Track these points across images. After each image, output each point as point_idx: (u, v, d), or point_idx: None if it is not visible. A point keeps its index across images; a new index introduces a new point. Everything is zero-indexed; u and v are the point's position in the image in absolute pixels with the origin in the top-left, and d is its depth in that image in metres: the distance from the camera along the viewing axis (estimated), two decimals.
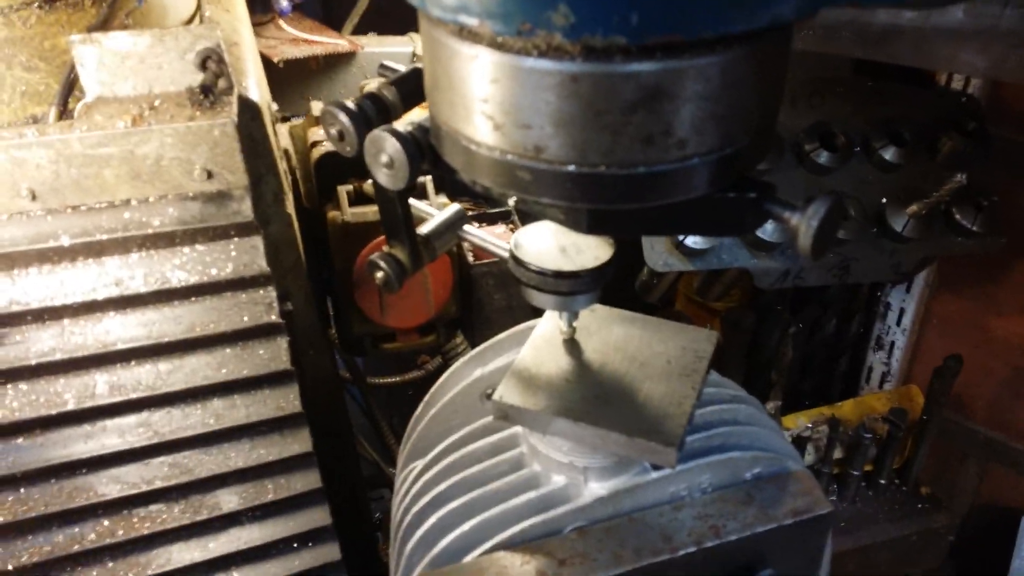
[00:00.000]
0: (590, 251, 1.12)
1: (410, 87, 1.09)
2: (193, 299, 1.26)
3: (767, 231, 1.96)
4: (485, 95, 0.85)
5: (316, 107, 1.93)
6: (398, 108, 1.08)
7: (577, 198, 0.88)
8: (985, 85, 2.22)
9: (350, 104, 1.02)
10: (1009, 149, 2.25)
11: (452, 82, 0.88)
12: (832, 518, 1.19)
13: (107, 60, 1.19)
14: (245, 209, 1.23)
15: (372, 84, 1.95)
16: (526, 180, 0.88)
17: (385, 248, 1.16)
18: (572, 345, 1.25)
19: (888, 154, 2.07)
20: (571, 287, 1.11)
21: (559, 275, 1.09)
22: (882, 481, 2.48)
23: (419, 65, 1.04)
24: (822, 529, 1.20)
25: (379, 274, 1.14)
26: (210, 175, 1.20)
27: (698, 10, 0.73)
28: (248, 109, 1.30)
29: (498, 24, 0.76)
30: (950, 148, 2.08)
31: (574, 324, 1.24)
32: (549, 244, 1.12)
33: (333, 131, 1.02)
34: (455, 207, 1.27)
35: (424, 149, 1.00)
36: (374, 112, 1.05)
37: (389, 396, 2.97)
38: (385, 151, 0.99)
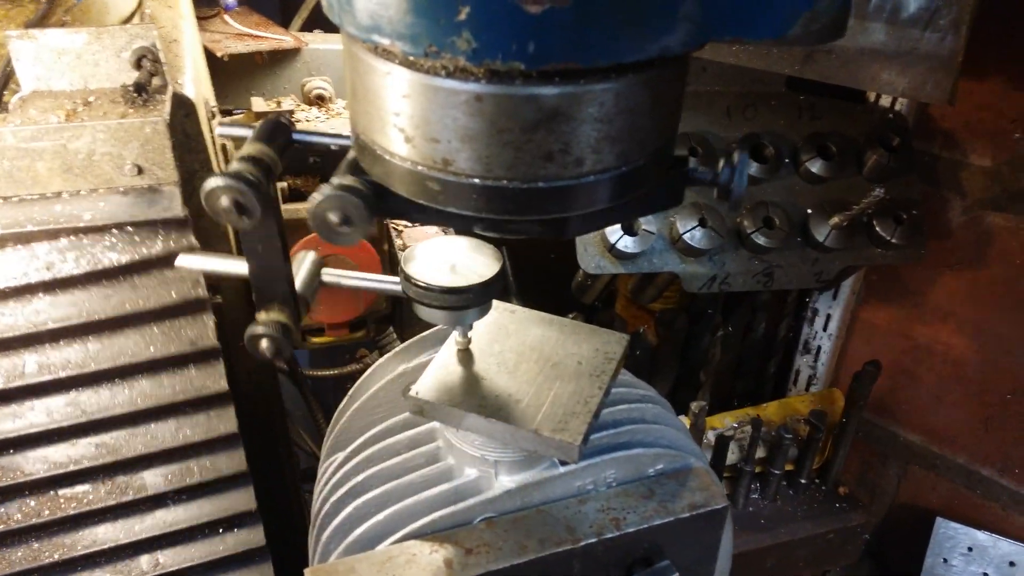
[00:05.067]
0: (478, 268, 1.16)
1: (281, 139, 1.04)
2: (122, 278, 1.29)
3: (695, 238, 2.03)
4: (397, 109, 0.90)
5: (256, 102, 1.97)
6: (277, 164, 1.01)
7: (483, 209, 0.93)
8: (912, 102, 2.30)
9: (248, 175, 0.93)
10: (933, 164, 2.35)
11: (368, 94, 0.93)
12: (726, 512, 1.26)
13: (43, 56, 1.22)
14: (175, 205, 1.27)
15: (313, 81, 1.99)
16: (435, 190, 0.93)
17: (262, 315, 1.06)
18: (489, 344, 1.30)
19: (815, 167, 2.15)
20: (459, 302, 1.15)
21: (447, 291, 1.13)
22: (802, 480, 2.57)
23: (279, 119, 1.03)
24: (718, 523, 1.27)
25: (264, 344, 1.04)
26: (141, 170, 1.23)
27: (591, 41, 0.79)
28: (183, 106, 1.34)
29: (407, 45, 0.82)
30: (874, 162, 2.16)
31: (472, 332, 1.29)
32: (439, 260, 1.17)
33: (227, 204, 0.92)
34: (311, 254, 1.22)
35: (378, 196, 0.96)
36: (264, 177, 0.96)
37: (332, 387, 3.00)
38: (340, 211, 0.93)
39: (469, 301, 1.15)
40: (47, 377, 1.29)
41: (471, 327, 1.27)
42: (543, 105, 0.84)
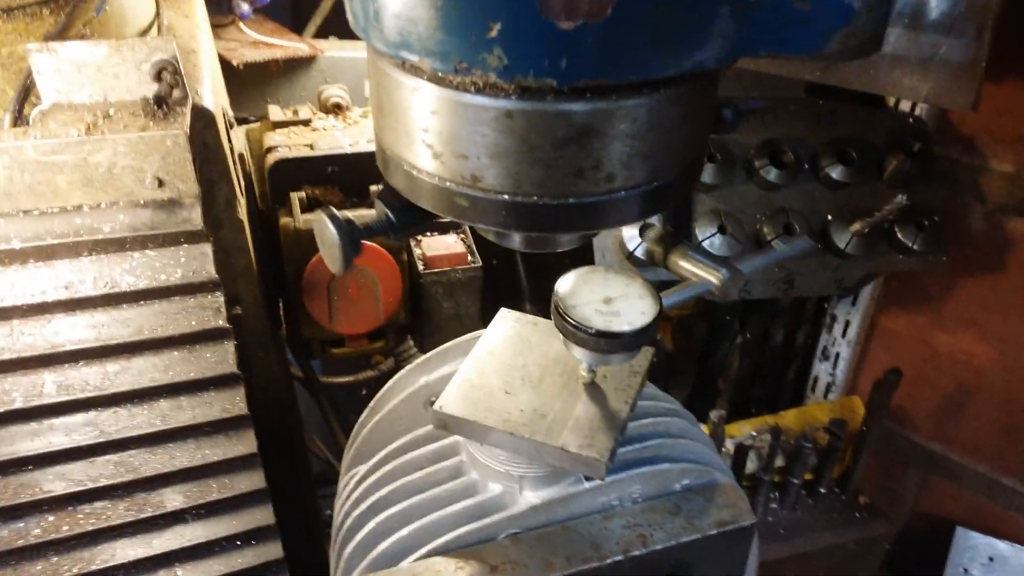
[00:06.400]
0: (634, 310, 1.09)
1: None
2: (142, 303, 1.28)
3: (715, 245, 2.01)
4: (426, 125, 0.89)
5: (273, 111, 1.95)
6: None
7: (512, 225, 0.92)
8: (933, 107, 2.28)
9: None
10: (954, 169, 2.32)
11: (395, 110, 0.92)
12: (754, 529, 1.24)
13: (63, 68, 1.22)
14: (195, 217, 1.26)
15: (330, 89, 1.99)
16: (463, 206, 0.92)
17: None
18: (513, 358, 1.29)
19: (835, 172, 2.13)
20: (609, 347, 1.09)
21: (601, 335, 1.07)
22: (822, 490, 2.55)
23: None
24: (745, 539, 1.26)
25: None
26: (161, 183, 1.22)
27: (624, 56, 0.78)
28: (202, 117, 1.33)
29: (437, 62, 0.81)
30: (895, 168, 2.14)
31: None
32: (593, 295, 1.11)
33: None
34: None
35: (358, 242, 1.05)
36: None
37: (346, 394, 2.99)
38: (325, 236, 1.05)
39: (619, 347, 1.08)
40: (66, 397, 1.29)
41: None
42: (574, 121, 0.83)
